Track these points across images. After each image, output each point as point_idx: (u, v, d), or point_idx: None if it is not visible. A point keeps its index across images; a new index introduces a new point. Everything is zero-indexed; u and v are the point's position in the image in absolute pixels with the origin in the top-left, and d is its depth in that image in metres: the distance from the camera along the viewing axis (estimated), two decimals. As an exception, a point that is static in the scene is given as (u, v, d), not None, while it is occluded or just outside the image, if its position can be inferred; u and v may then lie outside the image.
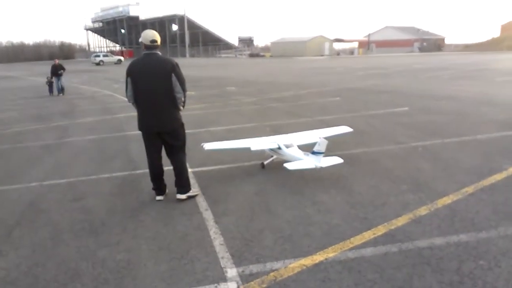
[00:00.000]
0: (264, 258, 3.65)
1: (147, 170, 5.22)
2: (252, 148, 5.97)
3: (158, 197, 5.20)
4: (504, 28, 76.54)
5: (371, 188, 5.24)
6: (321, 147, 5.32)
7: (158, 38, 4.84)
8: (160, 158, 5.13)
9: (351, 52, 67.32)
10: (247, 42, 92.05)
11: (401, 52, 63.44)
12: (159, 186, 5.20)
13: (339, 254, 3.64)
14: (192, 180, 5.63)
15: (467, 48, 63.17)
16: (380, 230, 4.07)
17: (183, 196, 5.09)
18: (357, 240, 3.89)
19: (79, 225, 4.58)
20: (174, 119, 4.95)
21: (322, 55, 65.38)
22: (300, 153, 5.78)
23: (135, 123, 5.15)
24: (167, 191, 5.25)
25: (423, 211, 4.47)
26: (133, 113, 5.34)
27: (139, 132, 5.13)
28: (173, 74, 4.71)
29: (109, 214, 4.86)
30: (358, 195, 5.01)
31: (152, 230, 4.37)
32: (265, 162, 6.26)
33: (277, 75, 28.01)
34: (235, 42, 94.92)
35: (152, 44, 4.79)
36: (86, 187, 5.89)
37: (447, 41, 78.48)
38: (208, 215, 4.65)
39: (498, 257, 3.48)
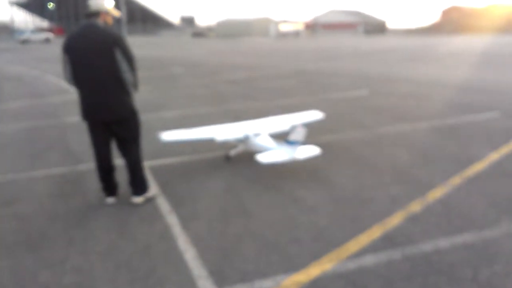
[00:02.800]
0: (250, 275, 3.01)
1: (93, 166, 4.34)
2: (217, 139, 5.26)
3: (109, 199, 4.36)
4: (445, 13, 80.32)
5: (353, 180, 4.76)
6: (297, 135, 4.72)
7: (102, 3, 3.92)
8: (109, 152, 4.27)
9: (296, 34, 67.30)
10: (189, 21, 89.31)
11: (346, 35, 64.55)
12: (109, 186, 4.36)
13: (337, 266, 3.09)
14: (149, 177, 4.82)
15: (410, 32, 65.64)
16: (375, 232, 3.58)
17: (140, 199, 4.29)
18: (353, 246, 3.36)
19: (11, 237, 3.67)
20: (123, 106, 4.09)
21: (268, 37, 64.85)
22: (271, 143, 5.17)
23: (72, 107, 4.25)
24: (119, 191, 4.42)
25: (415, 206, 4.05)
26: (70, 95, 4.38)
27: (77, 119, 4.21)
28: (117, 50, 3.83)
29: (50, 222, 3.96)
30: (341, 189, 4.51)
31: (105, 242, 3.56)
32: (231, 154, 5.58)
33: (225, 56, 27.05)
34: (176, 21, 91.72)
35: (92, 12, 3.88)
36: (17, 187, 4.88)
37: (388, 26, 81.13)
38: (172, 220, 3.92)
39: None
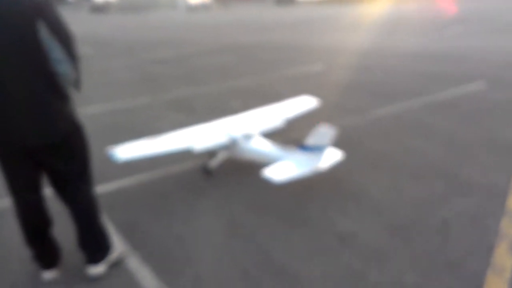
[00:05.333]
0: None
1: (13, 220, 2.56)
2: (196, 149, 3.66)
3: (46, 274, 2.63)
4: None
5: (396, 193, 3.52)
6: (321, 138, 3.33)
7: None
8: (39, 199, 2.54)
9: (207, 6, 64.23)
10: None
11: (258, 6, 63.20)
12: (44, 253, 2.63)
13: None
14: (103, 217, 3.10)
15: (319, 2, 66.32)
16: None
17: (99, 268, 2.62)
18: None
19: None
20: (58, 120, 2.36)
21: (176, 10, 61.12)
22: (273, 148, 3.72)
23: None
24: (63, 258, 2.69)
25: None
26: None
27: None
28: (41, 23, 2.09)
29: None
30: (391, 211, 3.24)
31: None
32: (211, 165, 4.02)
33: (138, 31, 24.16)
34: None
35: None
36: None
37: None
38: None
39: None
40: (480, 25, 18.17)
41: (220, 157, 4.07)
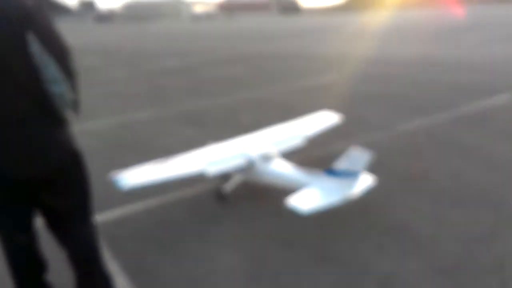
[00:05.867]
0: None
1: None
2: (210, 172, 3.28)
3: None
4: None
5: (434, 224, 3.10)
6: (353, 163, 2.93)
7: None
8: (31, 239, 2.17)
9: (211, 16, 64.43)
10: (89, 5, 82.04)
11: (262, 15, 63.31)
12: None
13: None
14: (105, 253, 2.72)
15: (325, 10, 66.46)
16: None
17: (103, 320, 2.22)
18: None
19: None
20: (54, 148, 1.98)
21: (180, 20, 61.29)
22: (296, 172, 3.32)
23: None
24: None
25: None
26: None
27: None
28: (32, 35, 1.71)
29: None
30: (433, 247, 2.82)
31: None
32: (226, 190, 3.63)
33: (144, 41, 24.02)
34: (74, 5, 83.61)
35: None
36: None
37: (301, 4, 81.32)
38: None
39: None
40: (493, 32, 17.80)
41: (236, 180, 3.69)
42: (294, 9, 66.13)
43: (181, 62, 13.42)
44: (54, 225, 2.18)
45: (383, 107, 6.61)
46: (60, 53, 1.82)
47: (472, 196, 3.48)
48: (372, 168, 3.26)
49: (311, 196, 2.94)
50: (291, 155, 3.84)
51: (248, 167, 3.50)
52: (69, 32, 31.68)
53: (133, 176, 3.12)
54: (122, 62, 14.35)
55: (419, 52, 12.81)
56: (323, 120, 4.44)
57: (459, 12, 36.08)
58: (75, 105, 2.03)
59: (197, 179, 3.57)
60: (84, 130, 6.07)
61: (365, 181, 3.16)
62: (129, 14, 69.01)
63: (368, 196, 3.19)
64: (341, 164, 2.97)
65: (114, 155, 4.99)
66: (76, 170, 2.12)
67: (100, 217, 3.36)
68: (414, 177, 3.92)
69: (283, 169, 3.38)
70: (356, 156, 2.91)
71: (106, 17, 67.66)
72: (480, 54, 11.47)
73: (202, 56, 14.92)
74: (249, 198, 3.62)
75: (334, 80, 9.07)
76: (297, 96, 7.66)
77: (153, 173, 3.19)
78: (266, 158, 3.52)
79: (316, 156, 4.45)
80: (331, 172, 3.04)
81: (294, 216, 2.91)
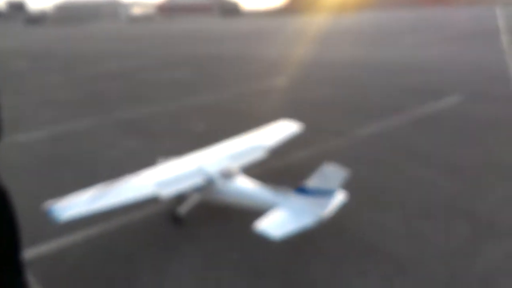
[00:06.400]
0: None
1: None
2: (164, 195, 2.85)
3: None
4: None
5: (411, 241, 2.91)
6: (327, 179, 2.65)
7: None
8: None
9: (150, 17, 62.42)
10: (18, 6, 76.82)
11: (203, 17, 62.45)
12: None
13: None
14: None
15: (264, 13, 66.89)
16: None
17: None
18: None
19: None
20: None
21: (117, 21, 58.87)
22: (262, 190, 2.98)
23: None
24: None
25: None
26: None
27: None
28: None
29: None
30: (416, 268, 2.62)
31: None
32: (182, 211, 3.23)
33: (78, 44, 22.54)
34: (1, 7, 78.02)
35: None
36: None
37: (241, 7, 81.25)
38: None
39: None
40: (432, 34, 18.70)
41: (192, 200, 3.29)
42: (235, 12, 66.09)
43: (118, 66, 12.63)
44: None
45: (337, 111, 6.49)
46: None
47: (440, 205, 3.36)
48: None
49: (281, 219, 2.61)
50: (248, 168, 3.51)
51: (207, 186, 3.12)
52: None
53: (71, 205, 2.62)
54: (55, 66, 13.25)
55: (361, 54, 13.05)
56: (283, 129, 4.16)
57: (398, 15, 37.95)
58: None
59: (147, 201, 3.12)
60: (13, 143, 5.35)
61: (338, 198, 2.90)
62: (63, 15, 65.17)
63: (338, 213, 2.93)
64: (313, 181, 2.68)
65: (48, 173, 4.37)
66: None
67: (33, 252, 2.82)
68: (379, 189, 3.74)
69: (247, 188, 3.04)
70: (330, 173, 2.63)
71: (38, 19, 63.20)
72: (420, 56, 11.88)
73: (142, 58, 14.19)
74: (209, 220, 3.23)
75: (283, 84, 8.88)
76: (248, 101, 7.36)
77: (95, 200, 2.70)
78: (227, 174, 3.15)
79: (275, 168, 4.16)
80: (302, 190, 2.74)
81: (261, 239, 2.57)
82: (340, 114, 6.28)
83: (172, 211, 3.29)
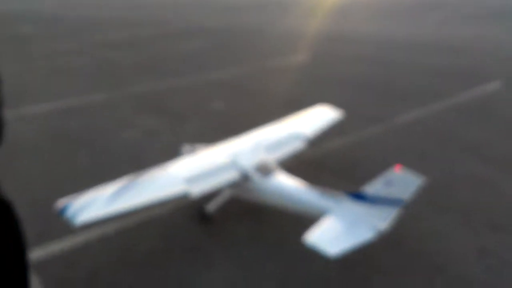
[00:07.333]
0: None
1: None
2: (194, 193, 2.44)
3: None
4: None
5: (482, 257, 2.50)
6: (397, 187, 2.22)
7: None
8: None
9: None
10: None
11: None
12: None
13: None
14: None
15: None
16: None
17: None
18: None
19: None
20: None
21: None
22: (308, 192, 2.54)
23: None
24: None
25: None
26: None
27: None
28: None
29: None
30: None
31: None
32: (210, 209, 2.84)
33: (85, 9, 21.73)
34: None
35: None
36: None
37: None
38: None
39: None
40: (458, 11, 17.74)
41: (223, 197, 2.89)
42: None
43: (130, 34, 12.04)
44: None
45: (370, 93, 5.98)
46: None
47: (510, 216, 2.92)
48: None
49: (336, 231, 2.20)
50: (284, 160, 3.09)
51: (241, 182, 2.70)
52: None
53: (88, 205, 2.22)
54: (62, 32, 12.69)
55: (384, 30, 12.32)
56: (321, 116, 3.69)
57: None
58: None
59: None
60: (21, 116, 4.95)
61: (393, 206, 2.45)
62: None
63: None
64: (375, 187, 2.25)
65: (59, 151, 3.98)
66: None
67: (42, 252, 2.45)
68: (434, 189, 3.28)
69: (291, 187, 2.61)
70: (400, 180, 2.20)
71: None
72: (450, 35, 11.15)
73: (154, 27, 13.55)
74: (240, 219, 2.83)
75: (304, 60, 8.31)
76: (268, 78, 6.84)
77: (116, 198, 2.29)
78: (264, 169, 2.72)
79: (309, 159, 3.73)
80: (359, 196, 2.31)
81: (303, 248, 2.16)
82: (374, 97, 5.77)
83: (199, 207, 2.89)
